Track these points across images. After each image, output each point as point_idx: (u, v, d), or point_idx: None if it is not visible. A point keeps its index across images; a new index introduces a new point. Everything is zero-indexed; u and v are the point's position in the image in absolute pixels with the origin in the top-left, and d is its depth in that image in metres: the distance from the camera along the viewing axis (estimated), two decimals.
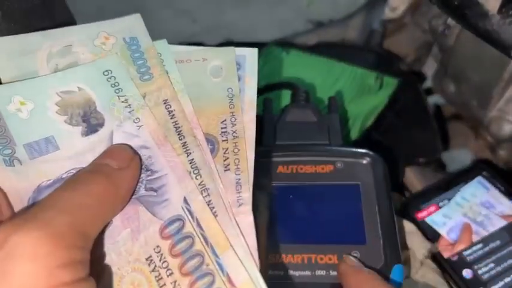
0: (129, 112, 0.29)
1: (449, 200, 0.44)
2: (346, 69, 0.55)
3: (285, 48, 0.57)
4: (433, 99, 0.55)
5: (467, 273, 0.40)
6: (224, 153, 0.29)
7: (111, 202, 0.26)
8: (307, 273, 0.32)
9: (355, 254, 0.32)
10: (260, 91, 0.50)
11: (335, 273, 0.32)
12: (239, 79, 0.31)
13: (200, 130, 0.30)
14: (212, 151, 0.29)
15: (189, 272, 0.26)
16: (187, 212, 0.27)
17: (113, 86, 0.29)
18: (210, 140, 0.30)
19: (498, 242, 0.41)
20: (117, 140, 0.28)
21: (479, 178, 0.45)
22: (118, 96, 0.29)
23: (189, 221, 0.27)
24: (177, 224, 0.27)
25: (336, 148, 0.38)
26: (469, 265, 0.40)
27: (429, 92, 0.57)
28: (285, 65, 0.56)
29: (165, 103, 0.29)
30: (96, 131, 0.28)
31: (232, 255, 0.26)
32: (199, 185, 0.28)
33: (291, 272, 0.32)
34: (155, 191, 0.27)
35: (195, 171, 0.28)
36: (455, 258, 0.41)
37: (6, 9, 0.29)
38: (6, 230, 0.22)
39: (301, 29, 0.62)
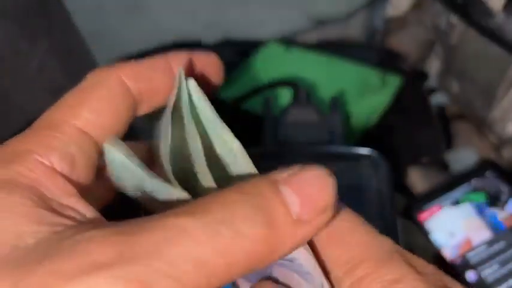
0: None
1: (451, 200, 0.43)
2: (348, 68, 0.54)
3: (286, 46, 0.57)
4: (436, 99, 0.55)
5: (471, 275, 0.39)
6: None
7: (247, 267, 0.15)
8: None
9: None
10: (261, 89, 0.50)
11: None
12: None
13: None
14: None
15: None
16: None
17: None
18: None
19: (502, 244, 0.40)
20: None
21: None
22: None
23: None
24: None
25: (338, 148, 0.38)
26: (472, 267, 0.39)
27: (432, 91, 0.56)
28: (286, 63, 0.55)
29: None
30: None
31: None
32: None
33: None
34: None
35: None
36: (458, 260, 0.40)
37: (0, 7, 0.29)
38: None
39: (303, 27, 0.61)
